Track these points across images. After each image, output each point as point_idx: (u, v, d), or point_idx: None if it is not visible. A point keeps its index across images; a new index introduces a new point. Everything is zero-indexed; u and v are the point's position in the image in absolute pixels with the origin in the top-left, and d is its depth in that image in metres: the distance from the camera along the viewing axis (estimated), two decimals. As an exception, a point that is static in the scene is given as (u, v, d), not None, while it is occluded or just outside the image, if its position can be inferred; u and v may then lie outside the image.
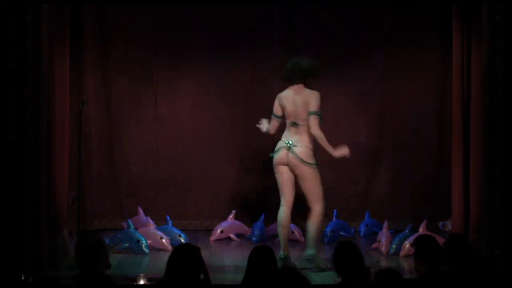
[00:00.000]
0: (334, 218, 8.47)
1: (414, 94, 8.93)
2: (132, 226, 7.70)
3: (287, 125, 7.05)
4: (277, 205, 7.24)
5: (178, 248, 4.36)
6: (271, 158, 7.02)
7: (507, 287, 4.43)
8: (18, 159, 6.19)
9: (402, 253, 7.40)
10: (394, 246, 7.57)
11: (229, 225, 8.38)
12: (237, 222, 8.46)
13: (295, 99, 6.98)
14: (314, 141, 6.93)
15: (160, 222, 8.30)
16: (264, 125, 7.17)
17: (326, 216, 8.57)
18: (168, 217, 8.30)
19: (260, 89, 8.84)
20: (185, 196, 8.94)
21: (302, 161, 6.90)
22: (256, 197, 8.89)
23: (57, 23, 6.72)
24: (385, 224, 7.98)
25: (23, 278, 5.23)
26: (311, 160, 6.93)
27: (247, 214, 8.71)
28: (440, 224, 8.67)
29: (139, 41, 8.84)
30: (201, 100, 8.93)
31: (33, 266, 6.11)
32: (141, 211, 8.53)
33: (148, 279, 5.55)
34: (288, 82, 7.08)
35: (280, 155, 6.98)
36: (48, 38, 6.44)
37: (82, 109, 7.92)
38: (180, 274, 4.17)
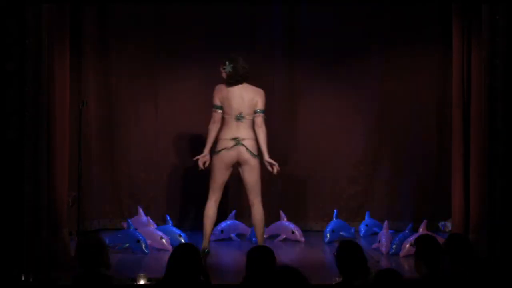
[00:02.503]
0: (334, 218, 8.44)
1: (414, 94, 8.91)
2: (132, 226, 7.69)
3: (228, 119, 7.17)
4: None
5: (178, 248, 4.36)
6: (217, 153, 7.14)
7: (507, 287, 4.42)
8: (18, 159, 6.18)
9: (402, 253, 7.40)
10: (394, 246, 7.57)
11: (229, 225, 8.38)
12: (237, 222, 8.45)
13: (243, 95, 7.17)
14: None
15: (160, 222, 8.29)
16: (204, 157, 7.27)
17: (326, 216, 8.61)
18: (168, 217, 8.29)
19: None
20: (185, 196, 8.93)
21: (253, 154, 7.12)
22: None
23: (57, 23, 6.70)
24: (385, 224, 7.97)
25: (23, 278, 5.23)
26: (257, 152, 7.18)
27: (247, 214, 8.69)
28: (440, 224, 8.66)
29: (139, 41, 8.82)
30: (201, 100, 8.88)
31: (33, 266, 6.11)
32: (141, 211, 8.52)
33: (148, 279, 5.55)
34: (238, 83, 7.20)
35: (229, 153, 7.12)
36: (48, 38, 6.43)
37: (82, 109, 7.90)
38: (180, 274, 4.18)
